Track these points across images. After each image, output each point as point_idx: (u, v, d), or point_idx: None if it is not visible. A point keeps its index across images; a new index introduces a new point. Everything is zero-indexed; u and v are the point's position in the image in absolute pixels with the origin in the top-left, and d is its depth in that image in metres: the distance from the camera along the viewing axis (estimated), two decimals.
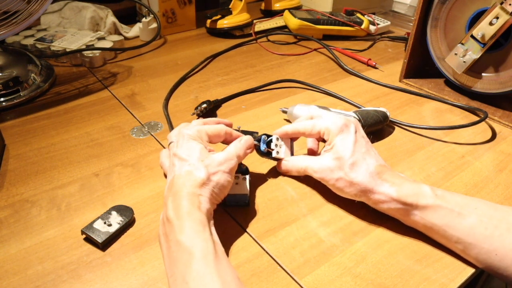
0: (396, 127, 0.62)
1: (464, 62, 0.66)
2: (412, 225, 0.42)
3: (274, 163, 0.52)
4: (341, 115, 0.48)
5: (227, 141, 0.47)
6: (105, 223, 0.42)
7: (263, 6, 1.07)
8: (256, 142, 0.48)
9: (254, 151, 0.48)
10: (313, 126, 0.47)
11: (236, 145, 0.44)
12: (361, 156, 0.43)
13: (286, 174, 0.50)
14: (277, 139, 0.50)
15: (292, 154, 0.51)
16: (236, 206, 0.45)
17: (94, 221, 0.42)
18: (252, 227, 0.43)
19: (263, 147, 0.48)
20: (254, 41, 0.90)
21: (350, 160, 0.42)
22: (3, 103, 0.62)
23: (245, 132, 0.56)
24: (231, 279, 0.33)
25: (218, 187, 0.40)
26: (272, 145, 0.49)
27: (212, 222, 0.38)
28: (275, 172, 0.51)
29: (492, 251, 0.38)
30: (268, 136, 0.49)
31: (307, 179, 0.50)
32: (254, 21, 0.97)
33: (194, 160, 0.40)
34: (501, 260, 0.37)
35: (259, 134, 0.52)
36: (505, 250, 0.37)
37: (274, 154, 0.49)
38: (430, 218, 0.40)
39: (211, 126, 0.46)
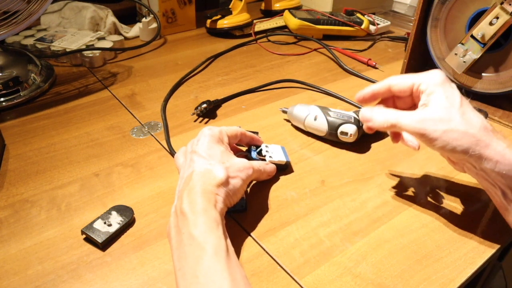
0: None
1: (464, 62, 0.66)
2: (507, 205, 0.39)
3: None
4: None
5: (242, 142, 0.49)
6: (105, 223, 0.42)
7: (263, 6, 1.07)
8: (246, 153, 0.49)
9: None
10: (405, 77, 0.41)
11: (259, 162, 0.46)
12: (470, 108, 0.38)
13: (368, 124, 0.42)
14: (266, 146, 0.50)
15: (287, 159, 0.51)
16: (234, 212, 0.45)
17: (94, 221, 0.42)
18: (252, 227, 0.43)
19: (254, 154, 0.49)
20: (254, 41, 0.90)
21: (461, 109, 0.37)
22: (3, 103, 0.62)
23: None
24: (240, 277, 0.33)
25: (233, 191, 0.40)
26: (263, 152, 0.49)
27: (224, 222, 0.38)
28: (281, 172, 0.51)
29: None
30: (257, 147, 0.50)
31: (307, 179, 0.50)
32: (254, 21, 0.97)
33: (215, 160, 0.41)
34: None
35: (259, 134, 0.52)
36: None
37: (268, 159, 0.49)
38: None
39: (229, 127, 0.46)
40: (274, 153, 0.50)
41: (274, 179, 0.50)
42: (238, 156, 0.46)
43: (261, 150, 0.50)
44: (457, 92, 0.39)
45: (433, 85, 0.39)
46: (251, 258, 0.40)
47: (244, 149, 0.51)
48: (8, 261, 0.39)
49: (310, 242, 0.42)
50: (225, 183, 0.39)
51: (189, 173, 0.40)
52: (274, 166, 0.49)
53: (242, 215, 0.45)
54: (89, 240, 0.41)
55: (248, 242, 0.42)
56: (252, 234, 0.43)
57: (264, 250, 0.41)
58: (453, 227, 0.44)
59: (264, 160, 0.49)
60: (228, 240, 0.36)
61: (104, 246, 0.40)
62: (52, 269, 0.38)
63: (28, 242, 0.41)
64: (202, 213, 0.35)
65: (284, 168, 0.51)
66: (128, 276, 0.38)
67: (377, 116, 0.41)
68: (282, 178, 0.50)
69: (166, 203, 0.46)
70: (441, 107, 0.38)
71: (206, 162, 0.40)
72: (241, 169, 0.42)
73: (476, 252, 0.41)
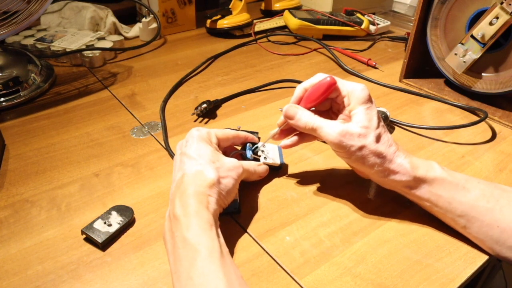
0: (396, 127, 0.62)
1: (464, 62, 0.66)
2: (417, 200, 0.43)
3: None
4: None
5: (235, 144, 0.48)
6: (105, 223, 0.42)
7: (263, 6, 1.07)
8: (241, 151, 0.48)
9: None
10: (338, 81, 0.44)
11: (250, 163, 0.47)
12: (383, 129, 0.43)
13: (291, 122, 0.45)
14: (263, 145, 0.50)
15: (281, 160, 0.51)
16: (227, 214, 0.44)
17: (94, 221, 0.42)
18: (252, 227, 0.43)
19: (249, 154, 0.48)
20: (254, 41, 0.90)
21: (377, 131, 0.42)
22: (3, 103, 0.62)
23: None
24: (235, 278, 0.33)
25: (226, 190, 0.40)
26: (259, 152, 0.49)
27: (218, 223, 0.38)
28: (275, 173, 0.51)
29: (494, 223, 0.39)
30: (253, 144, 0.50)
31: (307, 179, 0.50)
32: (254, 21, 0.97)
33: (205, 160, 0.41)
34: (502, 231, 0.39)
35: (259, 134, 0.52)
36: (506, 222, 0.39)
37: (262, 160, 0.49)
38: (437, 190, 0.41)
39: (220, 129, 0.46)
40: (269, 153, 0.50)
41: (274, 179, 0.50)
42: (233, 155, 0.46)
43: (256, 148, 0.49)
44: (375, 113, 0.43)
45: (357, 102, 0.43)
46: (251, 258, 0.40)
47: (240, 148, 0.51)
48: (8, 261, 0.39)
49: (310, 242, 0.42)
50: (217, 183, 0.39)
51: (180, 175, 0.40)
52: (266, 167, 0.49)
53: (242, 215, 0.45)
54: (89, 240, 0.41)
55: (248, 242, 0.42)
56: (252, 234, 0.43)
57: (264, 250, 0.41)
58: None
59: (258, 160, 0.49)
60: (222, 241, 0.36)
61: (104, 246, 0.40)
62: (52, 269, 0.38)
63: (28, 242, 0.41)
64: (194, 215, 0.35)
65: (278, 169, 0.51)
66: (128, 276, 0.38)
67: (300, 117, 0.44)
68: (282, 178, 0.50)
69: (166, 203, 0.46)
70: (361, 125, 0.42)
71: (196, 163, 0.40)
72: (231, 168, 0.42)
73: (476, 252, 0.41)
